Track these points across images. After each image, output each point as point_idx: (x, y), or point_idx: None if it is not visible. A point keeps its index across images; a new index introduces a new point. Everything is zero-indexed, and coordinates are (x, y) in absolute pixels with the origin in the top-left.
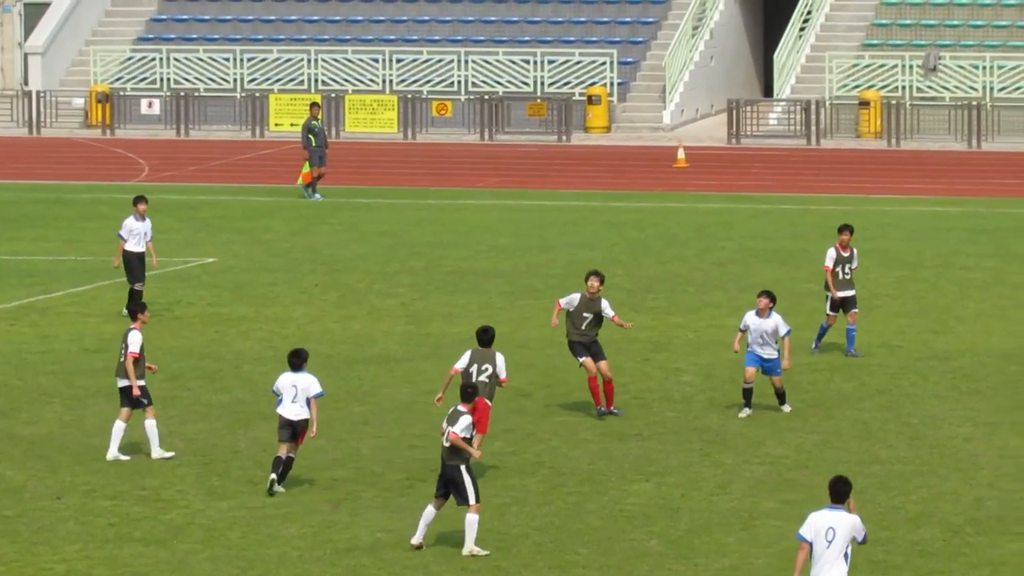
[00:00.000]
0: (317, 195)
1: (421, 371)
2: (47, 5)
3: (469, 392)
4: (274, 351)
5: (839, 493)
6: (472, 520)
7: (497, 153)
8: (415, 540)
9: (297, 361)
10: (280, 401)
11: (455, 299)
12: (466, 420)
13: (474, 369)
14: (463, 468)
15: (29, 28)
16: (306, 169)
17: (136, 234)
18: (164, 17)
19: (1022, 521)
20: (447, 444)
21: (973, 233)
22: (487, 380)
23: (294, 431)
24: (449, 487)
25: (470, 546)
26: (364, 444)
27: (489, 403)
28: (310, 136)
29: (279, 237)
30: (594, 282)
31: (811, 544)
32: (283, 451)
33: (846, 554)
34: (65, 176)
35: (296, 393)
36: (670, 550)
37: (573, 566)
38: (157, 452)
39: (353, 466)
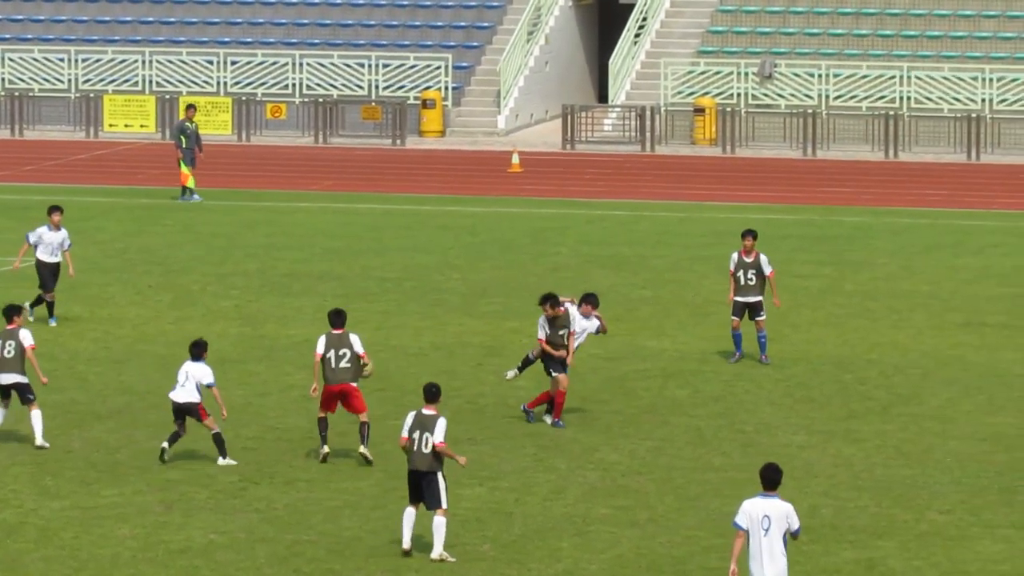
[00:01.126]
0: (196, 196)
1: (255, 373)
2: None
3: (433, 392)
4: (108, 351)
5: (771, 480)
6: (441, 523)
7: (331, 156)
8: (405, 545)
9: (196, 351)
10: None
11: (289, 301)
12: (442, 423)
13: (332, 354)
14: (440, 474)
15: None
16: (184, 170)
17: (49, 244)
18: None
19: (856, 529)
20: (427, 451)
21: (807, 241)
22: (349, 364)
23: (184, 413)
24: (422, 492)
25: (439, 550)
26: (198, 445)
27: (356, 385)
28: (181, 137)
29: (113, 237)
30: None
31: (747, 532)
32: (178, 427)
33: (782, 549)
34: None
35: (186, 380)
36: (503, 555)
37: (406, 570)
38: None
39: (186, 467)
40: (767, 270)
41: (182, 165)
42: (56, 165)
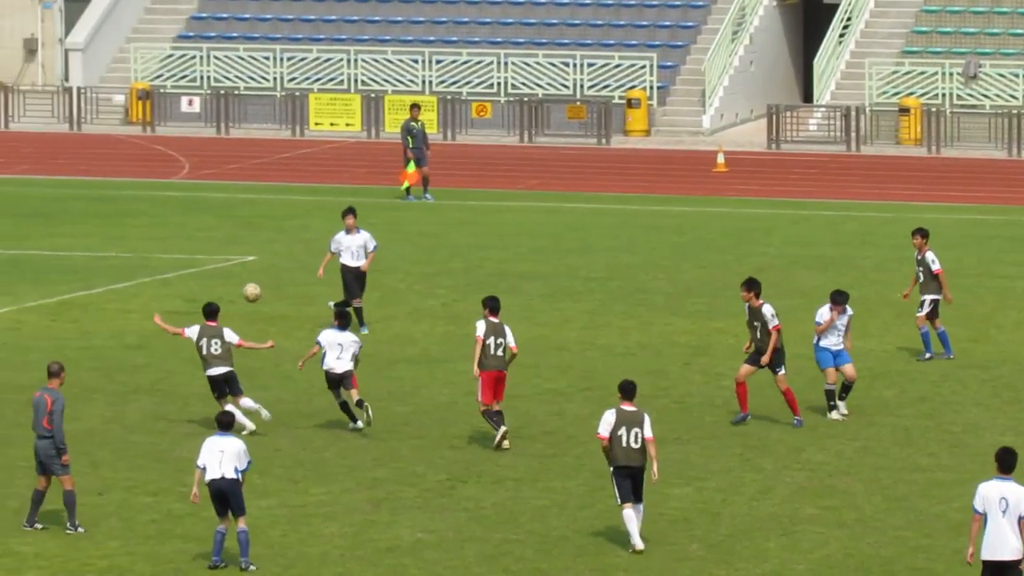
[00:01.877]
0: (428, 196)
1: (461, 372)
2: (87, 2)
3: (632, 388)
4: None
5: (1007, 463)
6: (640, 510)
7: (537, 155)
8: (638, 545)
9: (342, 322)
10: (324, 357)
11: None
12: (648, 420)
13: (491, 341)
14: (643, 468)
15: (70, 24)
16: (410, 169)
17: (349, 248)
18: (204, 15)
19: None
20: (637, 446)
21: (1014, 241)
22: (502, 353)
23: (340, 383)
24: (635, 487)
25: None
26: (405, 444)
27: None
28: (408, 137)
29: (319, 236)
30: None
31: (984, 516)
32: (338, 398)
33: (1017, 532)
34: (106, 172)
35: (342, 351)
36: (711, 555)
37: (614, 569)
38: (265, 414)
39: (394, 466)
40: (934, 267)
41: (408, 165)
42: (261, 163)
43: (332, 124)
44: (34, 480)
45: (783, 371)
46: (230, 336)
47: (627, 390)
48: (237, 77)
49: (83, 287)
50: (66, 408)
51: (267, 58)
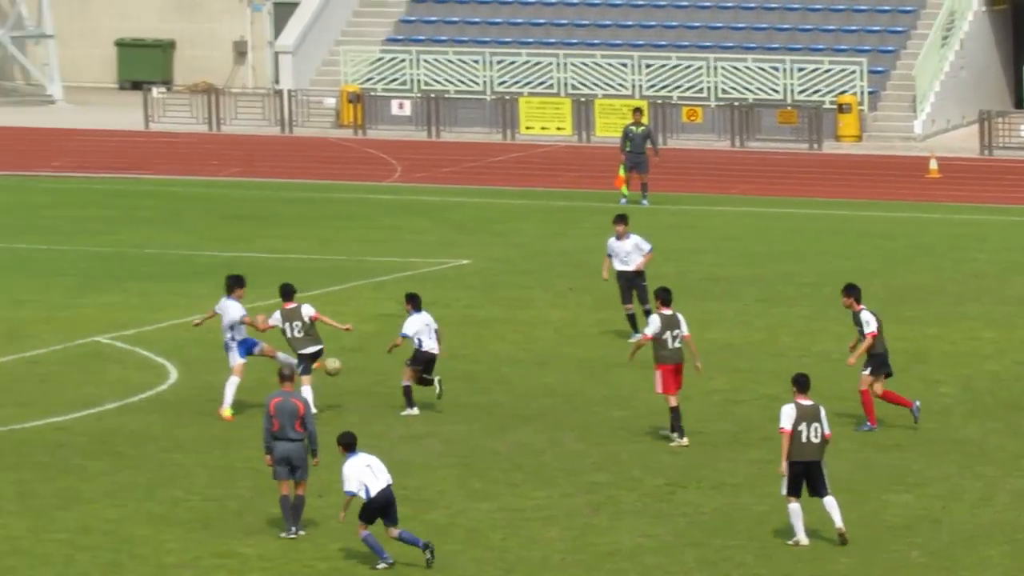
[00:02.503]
0: (645, 200)
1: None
2: (296, 4)
3: (806, 381)
4: (530, 353)
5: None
6: (835, 502)
7: (748, 160)
8: (804, 540)
9: (416, 304)
10: (420, 343)
11: (709, 305)
12: (824, 413)
13: (668, 335)
14: (822, 461)
15: (279, 27)
16: (621, 173)
17: (619, 253)
18: (413, 19)
19: None
20: (817, 441)
21: None
22: (680, 345)
23: (432, 363)
24: (811, 482)
25: (841, 523)
26: (623, 448)
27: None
28: (626, 141)
29: (531, 240)
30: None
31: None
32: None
33: None
34: (318, 175)
35: (430, 332)
36: (933, 562)
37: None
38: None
39: (613, 470)
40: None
41: (620, 168)
42: (473, 167)
43: (543, 128)
44: (257, 483)
45: (868, 372)
46: (307, 311)
47: (802, 384)
48: (447, 80)
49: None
50: None
51: (476, 61)
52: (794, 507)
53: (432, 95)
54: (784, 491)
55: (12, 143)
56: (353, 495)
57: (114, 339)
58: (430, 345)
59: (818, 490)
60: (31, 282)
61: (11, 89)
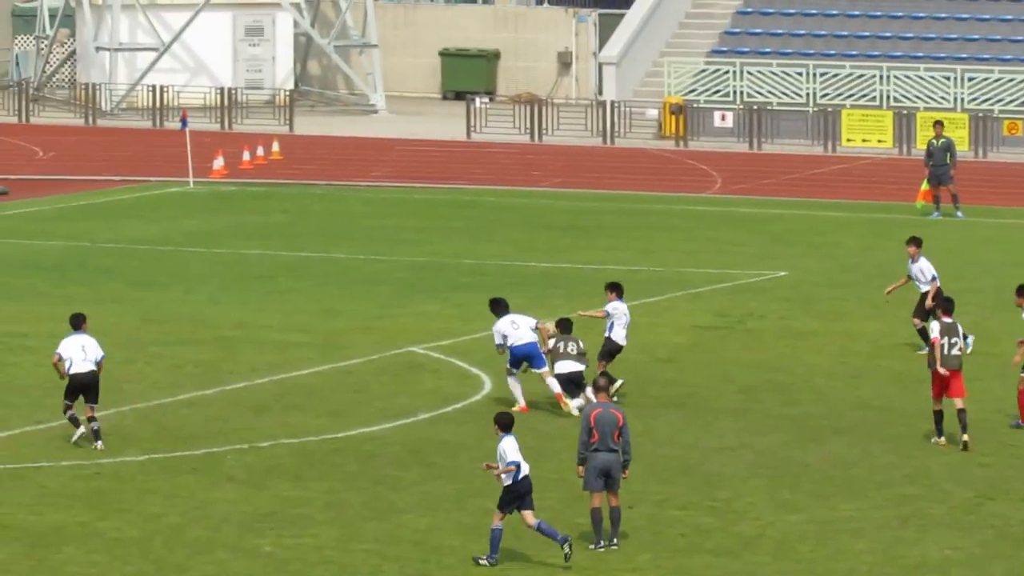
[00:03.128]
0: (959, 213)
1: (988, 391)
2: (621, 16)
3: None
4: (845, 366)
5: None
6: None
7: None
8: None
9: (619, 292)
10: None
11: None
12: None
13: (946, 340)
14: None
15: (604, 38)
16: (923, 187)
17: (912, 273)
18: (737, 30)
19: None
20: (957, 352)
21: None
22: (959, 352)
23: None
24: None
25: None
26: (934, 461)
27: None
28: (929, 154)
29: (849, 252)
30: None
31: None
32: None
33: None
34: (637, 186)
35: (627, 320)
36: None
37: None
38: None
39: (923, 483)
40: None
41: (924, 183)
42: (793, 179)
43: (864, 140)
44: (566, 494)
45: None
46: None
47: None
48: (769, 92)
49: None
50: None
51: (800, 74)
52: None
53: (754, 107)
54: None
55: (334, 152)
56: (517, 464)
57: (429, 349)
58: (618, 335)
59: None
60: (347, 292)
61: (334, 98)
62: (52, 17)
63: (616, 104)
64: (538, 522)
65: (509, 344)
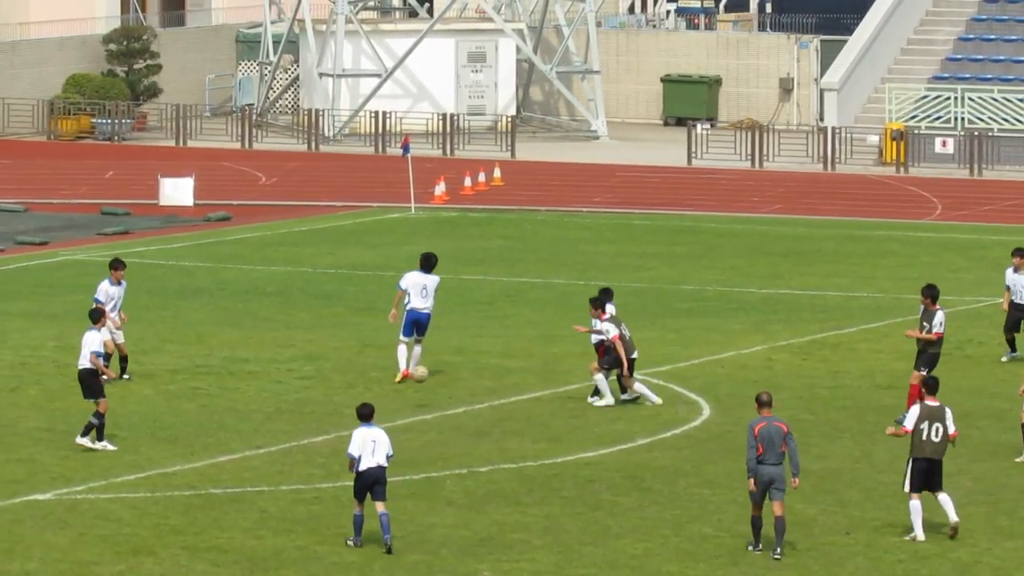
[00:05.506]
0: None
1: None
2: (843, 42)
3: (934, 384)
4: None
5: None
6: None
7: None
8: (919, 536)
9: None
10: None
11: None
12: (951, 414)
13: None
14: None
15: (825, 64)
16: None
17: (1014, 286)
18: (959, 57)
19: None
20: (937, 440)
21: None
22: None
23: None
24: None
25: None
26: None
27: None
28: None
29: None
30: None
31: None
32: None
33: None
34: (857, 212)
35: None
36: None
37: None
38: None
39: None
40: None
41: None
42: (1013, 205)
43: None
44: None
45: None
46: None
47: (931, 386)
48: (991, 118)
49: (834, 327)
50: (814, 446)
51: (1021, 100)
52: (915, 504)
53: (975, 133)
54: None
55: (555, 178)
56: (353, 458)
57: (648, 375)
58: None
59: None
60: (567, 317)
61: (556, 124)
62: (276, 43)
63: (837, 130)
64: (383, 513)
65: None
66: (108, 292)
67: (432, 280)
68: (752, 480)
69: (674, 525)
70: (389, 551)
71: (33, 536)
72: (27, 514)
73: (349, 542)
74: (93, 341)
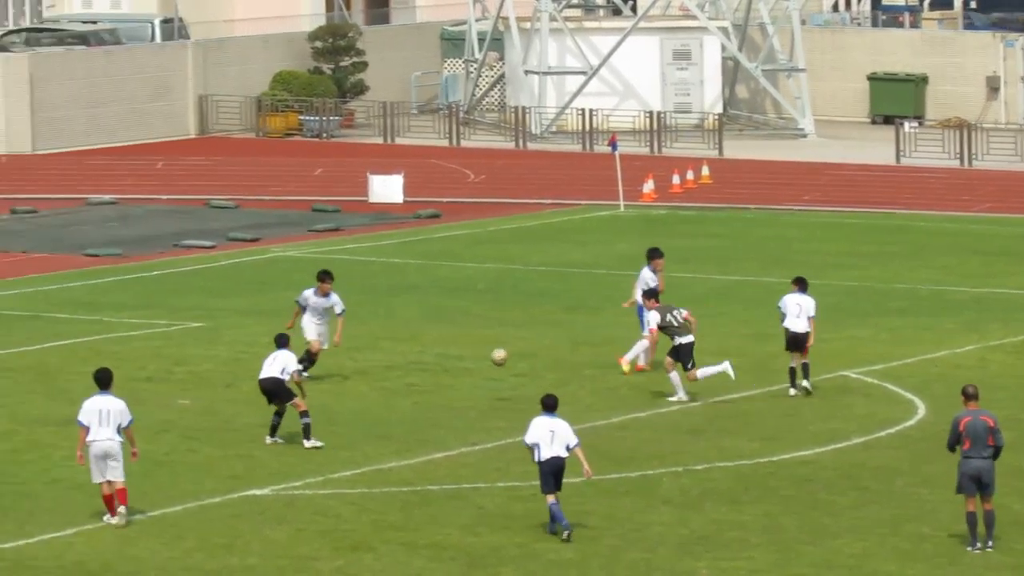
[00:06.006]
0: None
1: None
2: None
3: (974, 393)
4: None
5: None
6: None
7: None
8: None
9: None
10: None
11: None
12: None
13: None
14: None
15: None
16: None
17: None
18: None
19: None
20: None
21: None
22: None
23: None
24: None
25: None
26: None
27: None
28: None
29: None
30: None
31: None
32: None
33: None
34: None
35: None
36: None
37: None
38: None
39: None
40: None
41: None
42: None
43: None
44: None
45: None
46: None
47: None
48: None
49: None
50: None
51: None
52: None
53: None
54: None
55: (763, 176)
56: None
57: (861, 374)
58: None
59: None
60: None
61: (762, 122)
62: (481, 40)
63: None
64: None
65: None
66: (310, 300)
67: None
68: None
69: (892, 525)
70: (568, 537)
71: (252, 531)
72: (246, 509)
73: (565, 533)
74: (290, 360)
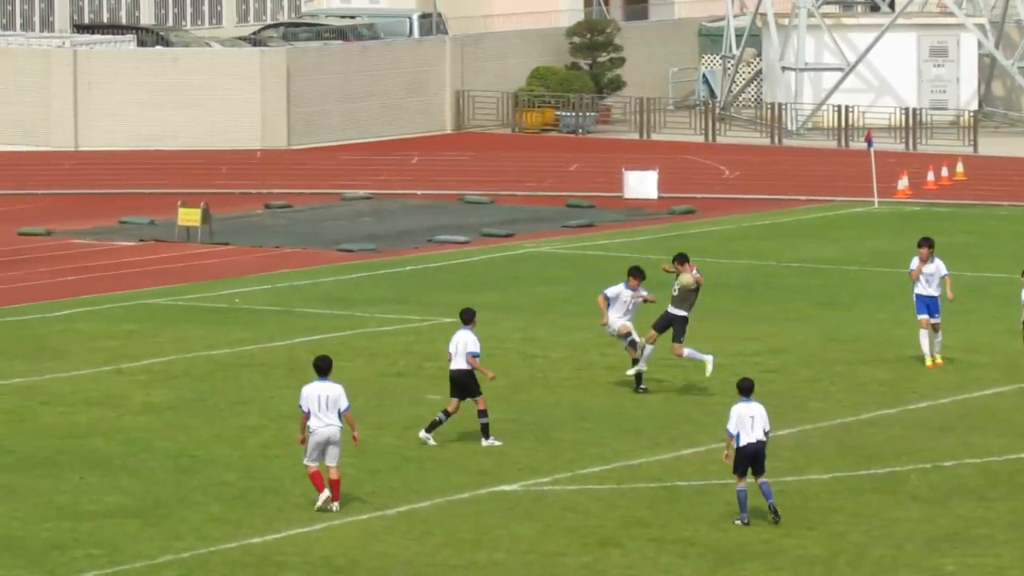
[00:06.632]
0: None
1: None
2: None
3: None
4: None
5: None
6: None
7: None
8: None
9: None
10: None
11: None
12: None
13: None
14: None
15: None
16: None
17: None
18: None
19: None
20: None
21: None
22: None
23: None
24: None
25: None
26: None
27: None
28: None
29: None
30: None
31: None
32: None
33: None
34: None
35: None
36: None
37: None
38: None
39: None
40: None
41: None
42: None
43: None
44: None
45: None
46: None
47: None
48: None
49: None
50: None
51: None
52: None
53: None
54: None
55: (1019, 174)
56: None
57: None
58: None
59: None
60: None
61: (1018, 120)
62: (739, 37)
63: None
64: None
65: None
66: (618, 293)
67: (940, 264)
68: None
69: None
70: (776, 516)
71: (500, 527)
72: (494, 505)
73: (736, 521)
74: (469, 341)
